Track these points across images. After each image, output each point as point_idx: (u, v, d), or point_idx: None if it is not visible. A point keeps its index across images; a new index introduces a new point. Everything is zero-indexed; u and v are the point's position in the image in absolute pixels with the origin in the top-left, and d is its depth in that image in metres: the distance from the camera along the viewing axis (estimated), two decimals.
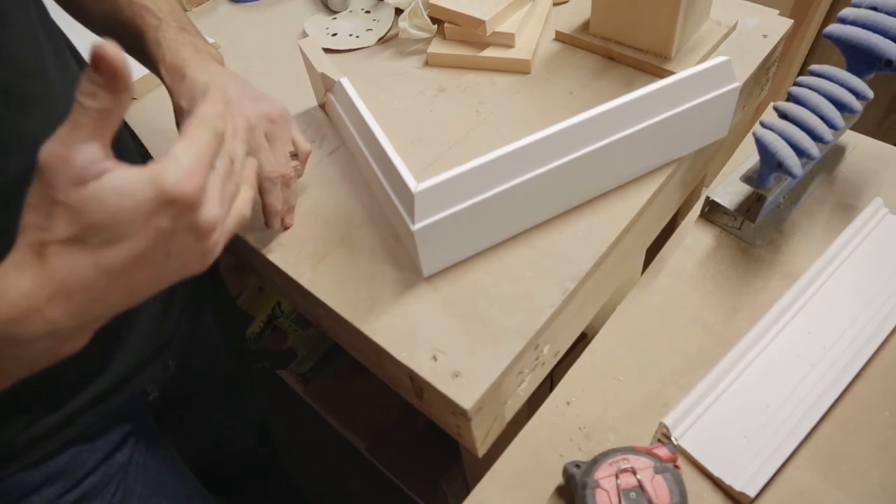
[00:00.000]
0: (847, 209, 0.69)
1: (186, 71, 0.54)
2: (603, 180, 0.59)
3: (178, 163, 0.33)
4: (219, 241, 0.36)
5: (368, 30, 0.82)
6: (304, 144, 0.59)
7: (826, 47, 1.26)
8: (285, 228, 0.61)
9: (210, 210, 0.34)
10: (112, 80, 0.30)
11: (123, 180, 0.31)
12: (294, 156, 0.59)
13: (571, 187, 0.57)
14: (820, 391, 0.56)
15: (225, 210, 0.36)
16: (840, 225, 0.67)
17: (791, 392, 0.56)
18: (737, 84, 0.59)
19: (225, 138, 0.37)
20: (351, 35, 0.82)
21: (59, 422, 0.54)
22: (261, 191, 0.55)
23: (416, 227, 0.51)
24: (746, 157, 0.71)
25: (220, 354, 0.82)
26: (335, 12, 0.86)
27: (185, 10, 0.93)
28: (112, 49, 0.29)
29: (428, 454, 1.05)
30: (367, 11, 0.85)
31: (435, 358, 0.51)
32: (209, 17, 0.92)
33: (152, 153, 0.71)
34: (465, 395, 0.49)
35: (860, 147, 0.74)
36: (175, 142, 0.34)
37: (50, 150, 0.31)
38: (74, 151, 0.31)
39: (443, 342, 0.52)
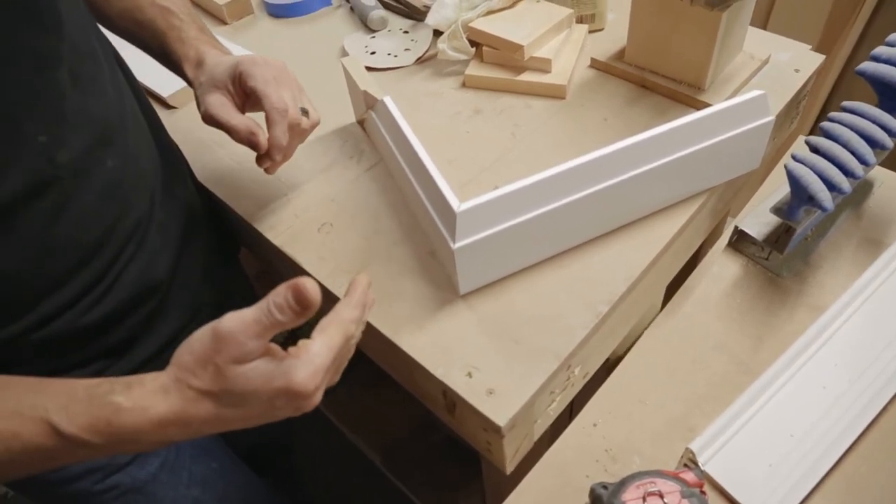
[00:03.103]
0: (874, 244, 0.70)
1: (205, 58, 0.60)
2: (638, 207, 0.60)
3: (310, 364, 0.40)
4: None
5: (406, 49, 0.84)
6: (317, 114, 0.61)
7: (851, 82, 1.28)
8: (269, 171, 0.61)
9: (317, 399, 0.42)
10: (304, 311, 0.38)
11: (267, 369, 0.39)
12: (305, 112, 0.60)
13: (607, 212, 0.58)
14: (845, 423, 0.56)
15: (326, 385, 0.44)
16: (867, 259, 0.68)
17: (816, 423, 0.57)
18: (771, 118, 0.60)
19: (354, 333, 0.45)
20: (389, 54, 0.84)
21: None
22: (269, 122, 0.57)
23: (456, 245, 0.52)
24: (774, 189, 0.72)
25: None
26: (374, 31, 0.88)
27: (227, 23, 0.95)
28: (314, 289, 0.38)
29: (444, 470, 1.05)
30: (406, 31, 0.87)
31: (470, 375, 0.52)
32: (249, 31, 0.95)
33: (190, 160, 0.73)
34: (499, 412, 0.50)
35: (887, 182, 0.75)
36: (316, 336, 0.42)
37: (232, 331, 0.38)
38: (248, 341, 0.39)
39: (478, 359, 0.53)
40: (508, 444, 0.53)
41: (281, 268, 0.70)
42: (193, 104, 0.84)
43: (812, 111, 1.33)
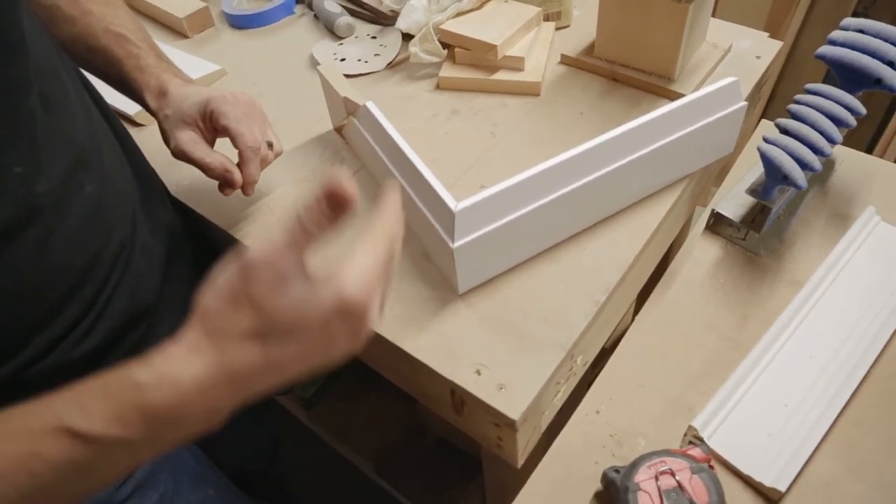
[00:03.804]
0: (841, 218, 0.73)
1: (168, 88, 0.61)
2: (625, 195, 0.62)
3: (358, 271, 0.34)
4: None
5: (376, 55, 0.84)
6: (280, 145, 0.64)
7: (797, 65, 1.34)
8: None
9: (373, 316, 0.35)
10: (339, 207, 0.32)
11: (311, 287, 0.33)
12: (269, 145, 0.63)
13: (597, 203, 0.60)
14: (834, 389, 0.59)
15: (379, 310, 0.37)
16: (836, 233, 0.71)
17: (807, 391, 0.59)
18: (744, 103, 0.63)
19: (395, 241, 0.38)
20: (360, 60, 0.83)
21: None
22: (243, 160, 0.59)
23: (455, 245, 0.53)
24: (743, 173, 0.75)
25: None
26: (341, 38, 0.88)
27: (188, 37, 0.94)
28: (350, 186, 0.32)
29: (439, 472, 1.05)
30: (373, 37, 0.87)
31: (479, 372, 0.53)
32: (212, 43, 0.93)
33: (164, 178, 0.71)
34: (512, 406, 0.51)
35: (847, 160, 0.79)
36: (356, 244, 0.35)
37: (260, 253, 0.33)
38: (280, 258, 0.33)
39: (484, 356, 0.54)
40: (521, 438, 0.53)
41: None
42: None
43: (761, 94, 1.39)
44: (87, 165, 0.52)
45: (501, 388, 0.52)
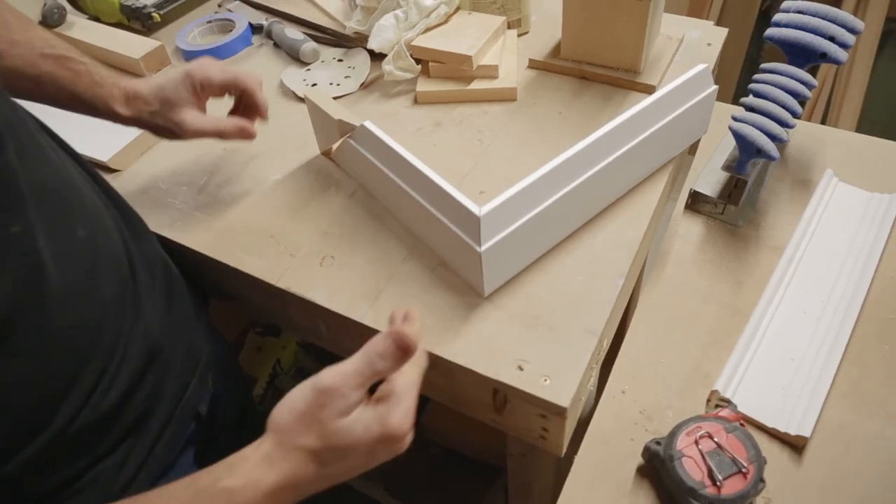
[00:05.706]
0: (804, 184, 0.79)
1: (136, 89, 0.63)
2: (624, 183, 0.65)
3: (400, 405, 0.42)
4: None
5: (347, 77, 0.85)
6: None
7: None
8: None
9: (409, 439, 0.44)
10: (405, 356, 0.41)
11: (364, 418, 0.41)
12: None
13: (601, 192, 0.63)
14: (832, 338, 0.64)
15: None
16: (802, 198, 0.78)
17: (808, 343, 0.64)
18: (715, 87, 0.68)
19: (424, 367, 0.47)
20: (331, 84, 0.84)
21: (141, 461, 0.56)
22: (253, 92, 0.67)
23: (483, 248, 0.54)
24: (710, 153, 0.80)
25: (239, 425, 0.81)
26: (307, 64, 0.88)
27: (143, 76, 0.91)
28: (412, 333, 0.41)
29: (452, 484, 1.05)
30: (340, 60, 0.88)
31: (520, 368, 0.55)
32: None
33: (153, 223, 0.69)
34: (561, 394, 0.52)
35: (799, 129, 0.86)
36: (396, 378, 0.44)
37: (336, 384, 0.41)
38: (351, 393, 0.41)
39: (522, 352, 0.56)
40: (568, 425, 0.55)
41: (287, 307, 0.67)
42: (138, 165, 0.79)
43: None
44: (74, 210, 0.50)
45: (546, 380, 0.54)
